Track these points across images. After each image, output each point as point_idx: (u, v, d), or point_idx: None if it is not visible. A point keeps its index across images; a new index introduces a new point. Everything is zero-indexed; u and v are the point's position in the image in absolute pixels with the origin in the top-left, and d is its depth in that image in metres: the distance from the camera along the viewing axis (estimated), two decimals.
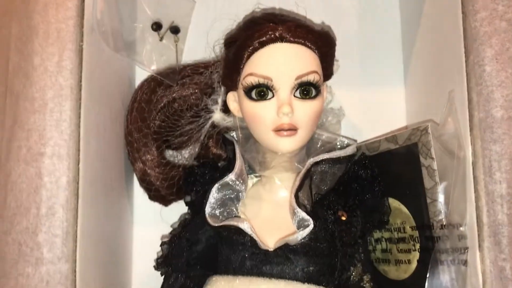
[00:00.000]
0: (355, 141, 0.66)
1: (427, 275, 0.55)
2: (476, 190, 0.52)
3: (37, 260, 0.51)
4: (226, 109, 0.66)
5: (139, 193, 0.71)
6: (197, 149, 0.68)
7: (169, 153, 0.70)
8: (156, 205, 0.70)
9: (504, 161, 0.50)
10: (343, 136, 0.66)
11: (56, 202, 0.52)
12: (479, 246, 0.52)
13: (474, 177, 0.52)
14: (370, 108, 0.74)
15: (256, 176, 0.67)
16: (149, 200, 0.70)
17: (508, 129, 0.51)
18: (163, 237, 0.64)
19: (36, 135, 0.53)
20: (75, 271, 0.52)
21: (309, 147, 0.65)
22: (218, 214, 0.61)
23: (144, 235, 0.72)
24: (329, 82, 0.67)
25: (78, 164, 0.53)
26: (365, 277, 0.63)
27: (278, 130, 0.58)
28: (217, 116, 0.67)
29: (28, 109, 0.53)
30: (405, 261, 0.61)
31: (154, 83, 0.68)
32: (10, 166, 0.52)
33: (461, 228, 0.54)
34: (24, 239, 0.51)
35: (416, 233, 0.60)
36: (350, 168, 0.64)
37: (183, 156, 0.70)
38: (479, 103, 0.52)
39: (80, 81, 0.55)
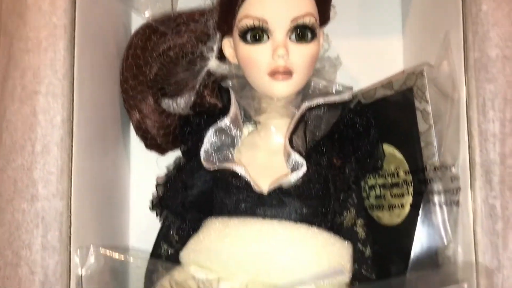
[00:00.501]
0: (351, 88, 0.66)
1: (418, 217, 0.56)
2: (469, 130, 0.52)
3: (32, 196, 0.51)
4: (221, 57, 0.66)
5: (136, 142, 0.71)
6: (192, 98, 0.68)
7: (165, 102, 0.70)
8: (153, 154, 0.71)
9: (497, 100, 0.51)
10: (337, 83, 0.66)
11: (50, 140, 0.52)
12: (471, 185, 0.52)
13: (468, 117, 0.52)
14: (367, 57, 0.74)
15: (252, 125, 0.67)
16: (145, 149, 0.70)
17: (503, 68, 0.51)
18: (158, 178, 0.65)
19: (30, 74, 0.53)
20: (70, 208, 0.52)
21: (305, 93, 0.64)
22: (213, 158, 0.61)
23: (141, 184, 0.72)
24: (326, 31, 0.66)
25: (72, 103, 0.53)
26: (358, 221, 0.64)
27: (273, 74, 0.58)
28: (213, 63, 0.66)
29: (22, 49, 0.53)
30: (398, 205, 0.62)
31: (149, 30, 0.68)
32: (5, 104, 0.53)
33: (453, 169, 0.55)
34: (19, 176, 0.52)
35: (409, 177, 0.60)
36: (346, 115, 0.64)
37: (179, 105, 0.70)
38: (474, 42, 0.52)
39: (74, 21, 0.54)
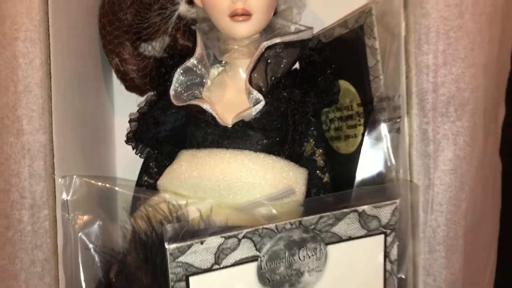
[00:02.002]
0: (311, 28, 0.71)
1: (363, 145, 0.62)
2: (407, 63, 0.57)
3: (18, 131, 0.58)
4: (191, 1, 0.71)
5: (118, 82, 0.77)
6: (166, 41, 0.74)
7: (141, 46, 0.75)
8: (135, 96, 0.77)
9: (431, 34, 0.55)
10: (299, 24, 0.71)
11: (31, 81, 0.58)
12: (408, 112, 0.57)
13: (406, 50, 0.57)
14: None
15: (222, 65, 0.72)
16: (128, 94, 0.76)
17: (436, 3, 0.55)
18: (131, 114, 0.71)
19: (9, 21, 0.58)
20: (52, 141, 0.59)
21: (268, 34, 0.69)
22: (182, 96, 0.67)
23: (126, 121, 0.78)
24: None
25: (49, 48, 0.59)
26: (317, 151, 0.70)
27: (233, 16, 0.63)
28: (182, 7, 0.71)
29: None
30: (352, 135, 0.68)
31: None
32: None
33: (395, 100, 0.60)
34: (5, 113, 0.58)
35: (361, 109, 0.66)
36: (306, 53, 0.69)
37: (154, 48, 0.75)
38: None
39: None
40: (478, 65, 0.56)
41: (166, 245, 0.48)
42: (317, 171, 0.70)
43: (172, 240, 0.48)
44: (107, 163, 0.78)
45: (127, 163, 0.79)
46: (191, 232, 0.49)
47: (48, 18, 0.59)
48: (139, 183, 0.73)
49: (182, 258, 0.49)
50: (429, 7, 0.55)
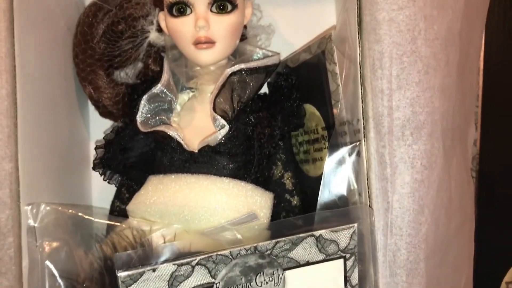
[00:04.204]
0: (278, 54, 0.72)
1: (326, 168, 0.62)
2: (363, 87, 0.58)
3: None
4: (160, 29, 0.72)
5: (94, 112, 0.79)
6: (138, 68, 0.75)
7: (114, 73, 0.77)
8: (112, 122, 0.78)
9: (384, 59, 0.56)
10: (267, 50, 0.72)
11: None
12: (365, 136, 0.58)
13: (362, 75, 0.58)
14: (301, 23, 0.79)
15: (192, 91, 0.74)
16: (103, 118, 0.78)
17: (389, 29, 0.56)
18: (97, 141, 0.72)
19: None
20: (17, 169, 0.60)
21: (235, 59, 0.70)
22: (150, 122, 0.68)
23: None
24: (258, 0, 0.72)
25: (15, 78, 0.61)
26: (286, 174, 0.71)
27: (197, 43, 0.64)
28: (153, 35, 0.73)
29: None
30: (318, 158, 0.68)
31: (95, 7, 0.74)
32: None
33: (355, 123, 0.61)
34: None
35: (325, 133, 0.67)
36: (275, 78, 0.70)
37: (128, 74, 0.77)
38: (366, 6, 0.57)
39: (12, 4, 0.61)
40: (434, 88, 0.57)
41: (117, 273, 0.48)
42: (286, 194, 0.70)
43: (124, 267, 0.49)
44: (82, 189, 0.79)
45: (103, 190, 0.80)
46: (144, 259, 0.50)
47: (14, 50, 0.61)
48: (112, 209, 0.74)
49: (134, 286, 0.49)
50: (382, 32, 0.56)
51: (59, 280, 0.63)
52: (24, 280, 0.60)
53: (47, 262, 0.62)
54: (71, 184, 0.76)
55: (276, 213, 0.67)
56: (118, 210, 0.73)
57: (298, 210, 0.70)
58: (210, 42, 0.64)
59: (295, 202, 0.70)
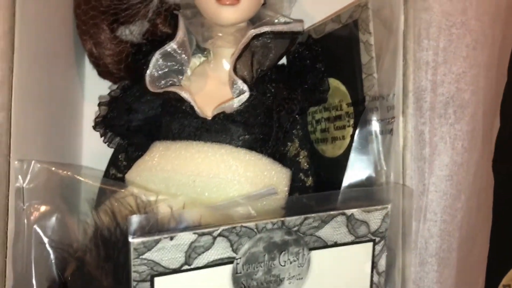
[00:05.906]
0: (301, 21, 0.66)
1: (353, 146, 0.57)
2: (405, 59, 0.53)
3: None
4: None
5: (91, 71, 0.71)
6: (145, 26, 0.69)
7: (118, 29, 0.69)
8: (108, 84, 0.71)
9: (432, 29, 0.51)
10: (289, 18, 0.67)
11: None
12: (403, 112, 0.53)
13: (404, 46, 0.53)
14: None
15: (203, 55, 0.67)
16: (101, 80, 0.70)
17: None
18: (100, 97, 0.65)
19: None
20: (10, 120, 0.53)
21: (255, 25, 0.65)
22: (159, 82, 0.61)
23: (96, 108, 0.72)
24: None
25: (14, 16, 0.53)
26: (301, 153, 0.66)
27: None
28: None
29: None
30: (340, 137, 0.63)
31: None
32: None
33: (389, 99, 0.56)
34: None
35: (351, 109, 0.62)
36: (295, 48, 0.65)
37: (132, 32, 0.70)
38: None
39: None
40: (480, 65, 0.53)
41: (130, 239, 0.42)
42: (301, 174, 0.65)
43: (138, 233, 0.42)
44: (72, 150, 0.71)
45: (94, 152, 0.72)
46: (160, 226, 0.43)
47: None
48: (105, 177, 0.67)
49: (147, 255, 0.43)
50: (431, 1, 0.51)
51: (48, 248, 0.55)
52: (9, 247, 0.53)
53: (35, 227, 0.55)
54: (62, 142, 0.68)
55: (288, 193, 0.61)
56: (114, 179, 0.66)
57: (311, 191, 0.65)
58: None
59: (309, 183, 0.65)
